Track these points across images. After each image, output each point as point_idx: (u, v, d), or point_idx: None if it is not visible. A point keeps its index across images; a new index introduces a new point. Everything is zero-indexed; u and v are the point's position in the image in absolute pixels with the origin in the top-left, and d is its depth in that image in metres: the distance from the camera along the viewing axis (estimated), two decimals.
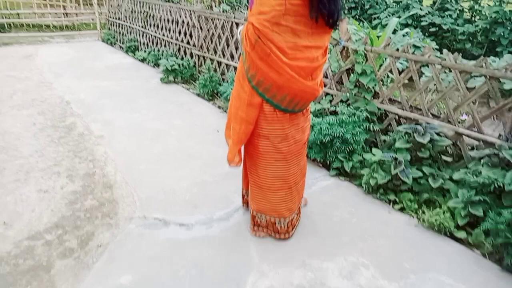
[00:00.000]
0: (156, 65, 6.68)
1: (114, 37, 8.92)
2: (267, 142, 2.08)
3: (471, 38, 6.43)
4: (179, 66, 5.82)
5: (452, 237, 2.43)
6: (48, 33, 10.46)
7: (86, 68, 6.60)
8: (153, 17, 7.15)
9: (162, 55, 6.67)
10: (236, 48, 5.00)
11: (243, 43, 1.90)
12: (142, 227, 2.47)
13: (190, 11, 5.87)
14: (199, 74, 5.85)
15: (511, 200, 2.31)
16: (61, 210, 2.62)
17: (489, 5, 6.40)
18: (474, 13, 6.78)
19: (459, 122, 2.88)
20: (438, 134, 2.83)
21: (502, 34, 6.05)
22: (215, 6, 6.86)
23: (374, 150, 3.04)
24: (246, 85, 1.97)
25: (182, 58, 6.21)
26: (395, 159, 2.77)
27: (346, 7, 7.83)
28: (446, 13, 6.75)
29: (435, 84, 2.97)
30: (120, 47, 8.48)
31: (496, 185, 2.34)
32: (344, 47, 3.52)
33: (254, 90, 1.96)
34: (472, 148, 2.80)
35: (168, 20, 6.61)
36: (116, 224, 2.49)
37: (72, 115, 4.34)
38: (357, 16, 7.68)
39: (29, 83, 5.52)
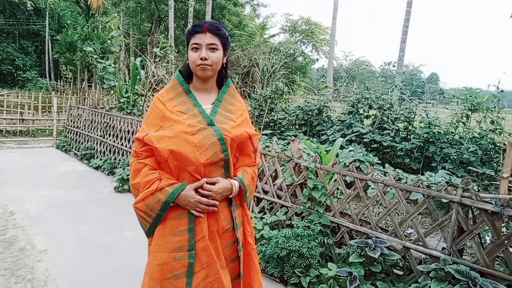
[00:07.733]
0: (111, 173, 6.63)
1: (69, 144, 8.90)
2: None
3: (409, 153, 7.14)
4: None
5: None
6: None
7: (37, 175, 6.39)
8: (113, 128, 7.35)
9: (119, 163, 6.69)
10: None
11: None
12: None
13: None
14: None
15: None
16: None
17: (420, 126, 7.29)
18: (409, 132, 7.65)
19: (406, 236, 3.05)
20: (388, 247, 2.95)
21: (434, 151, 6.81)
22: None
23: (329, 264, 3.07)
24: None
25: None
26: (350, 273, 2.80)
27: (297, 124, 8.56)
28: (385, 131, 7.57)
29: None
30: (75, 154, 8.42)
31: None
32: (296, 163, 3.78)
33: None
34: (420, 262, 2.92)
35: (128, 132, 6.80)
36: None
37: (15, 227, 4.06)
38: (307, 131, 8.37)
39: None
